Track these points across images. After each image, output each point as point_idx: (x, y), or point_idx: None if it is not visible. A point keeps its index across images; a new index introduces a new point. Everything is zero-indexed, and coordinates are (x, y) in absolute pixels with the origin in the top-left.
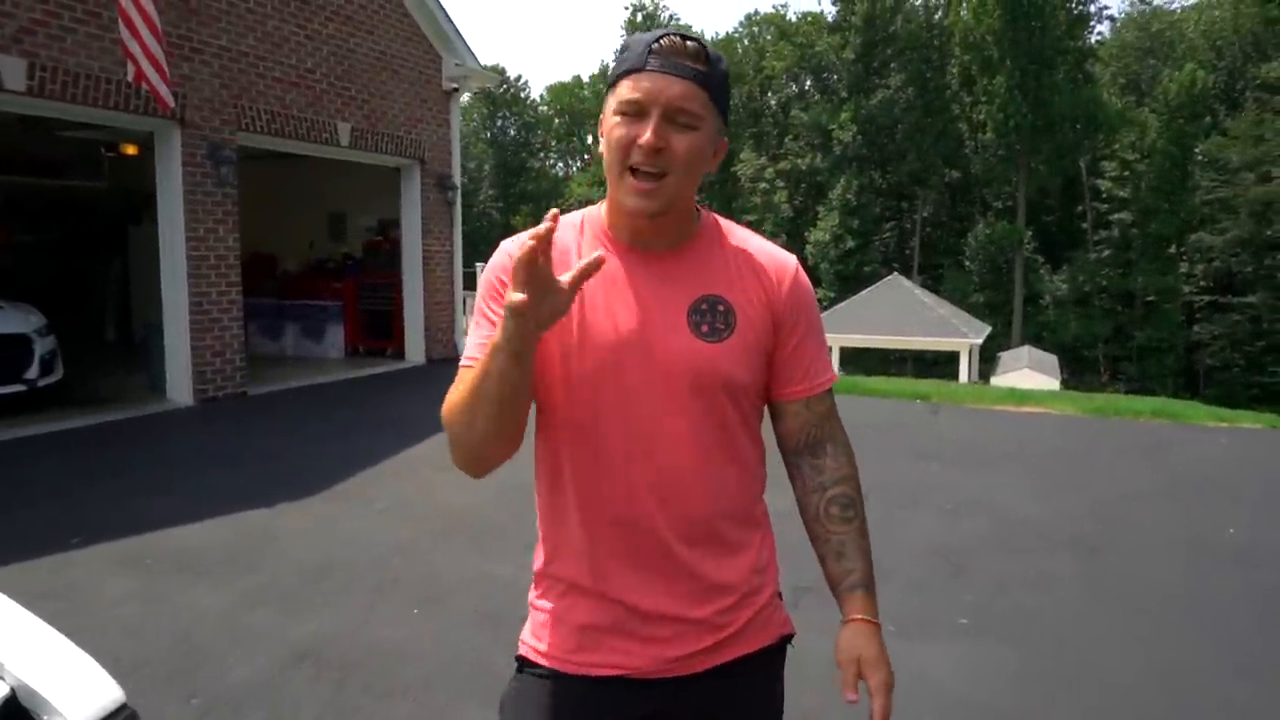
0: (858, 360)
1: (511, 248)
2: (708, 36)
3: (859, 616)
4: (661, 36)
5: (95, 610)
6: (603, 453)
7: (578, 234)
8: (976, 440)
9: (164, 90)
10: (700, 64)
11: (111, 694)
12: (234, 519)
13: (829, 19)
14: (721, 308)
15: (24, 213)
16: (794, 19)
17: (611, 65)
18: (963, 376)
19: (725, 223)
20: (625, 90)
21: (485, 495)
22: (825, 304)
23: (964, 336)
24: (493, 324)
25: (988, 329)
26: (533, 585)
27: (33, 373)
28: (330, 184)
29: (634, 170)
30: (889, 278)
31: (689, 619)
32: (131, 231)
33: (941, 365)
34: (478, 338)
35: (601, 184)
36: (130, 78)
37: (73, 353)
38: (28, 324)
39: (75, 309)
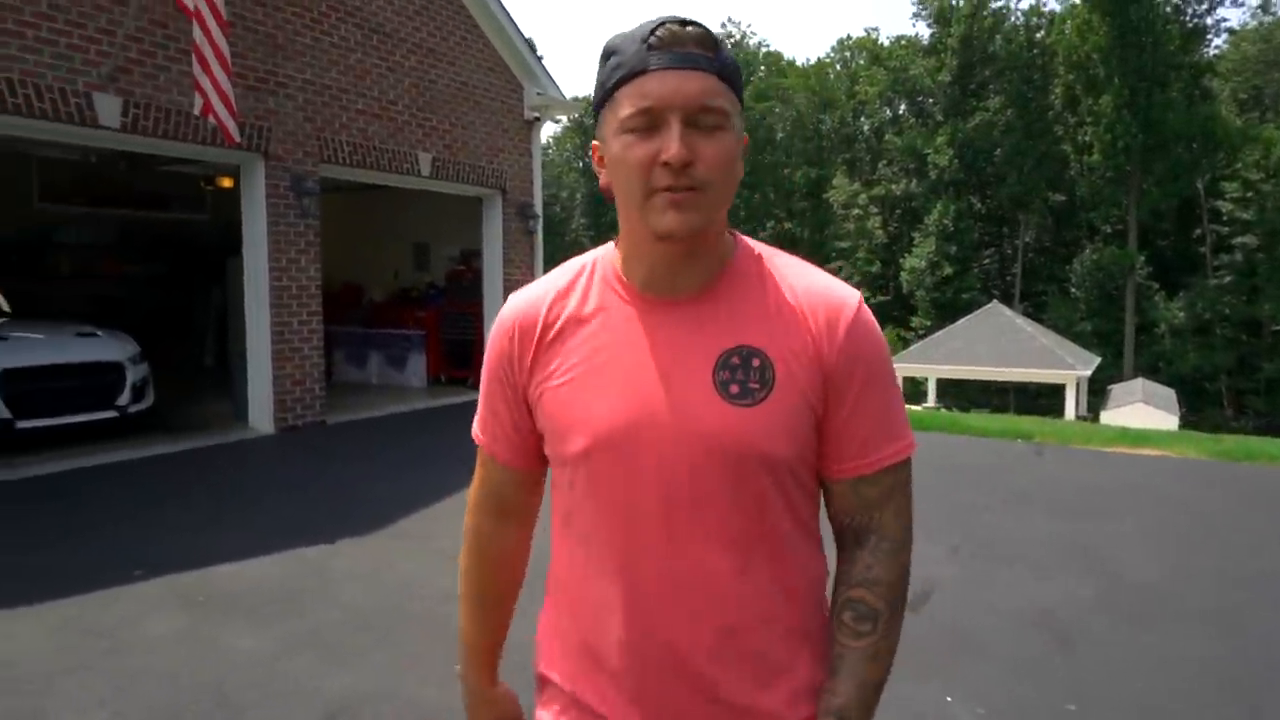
0: (956, 392)
1: (514, 308)
2: (799, 62)
3: None
4: (657, 27)
5: (137, 651)
6: (609, 549)
7: (585, 278)
8: (1085, 486)
9: (230, 124)
10: (711, 50)
11: None
12: (292, 555)
13: (923, 42)
14: (756, 362)
15: (133, 246)
16: (887, 43)
17: (599, 76)
18: (1069, 411)
19: (768, 252)
20: (629, 100)
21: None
22: (921, 333)
23: (1070, 368)
24: (491, 408)
25: (1096, 360)
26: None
27: (124, 399)
28: (414, 214)
29: (668, 189)
30: (989, 306)
31: None
32: (230, 262)
33: (1046, 398)
34: (483, 411)
35: None
36: (198, 111)
37: (171, 379)
38: (122, 352)
39: (177, 337)
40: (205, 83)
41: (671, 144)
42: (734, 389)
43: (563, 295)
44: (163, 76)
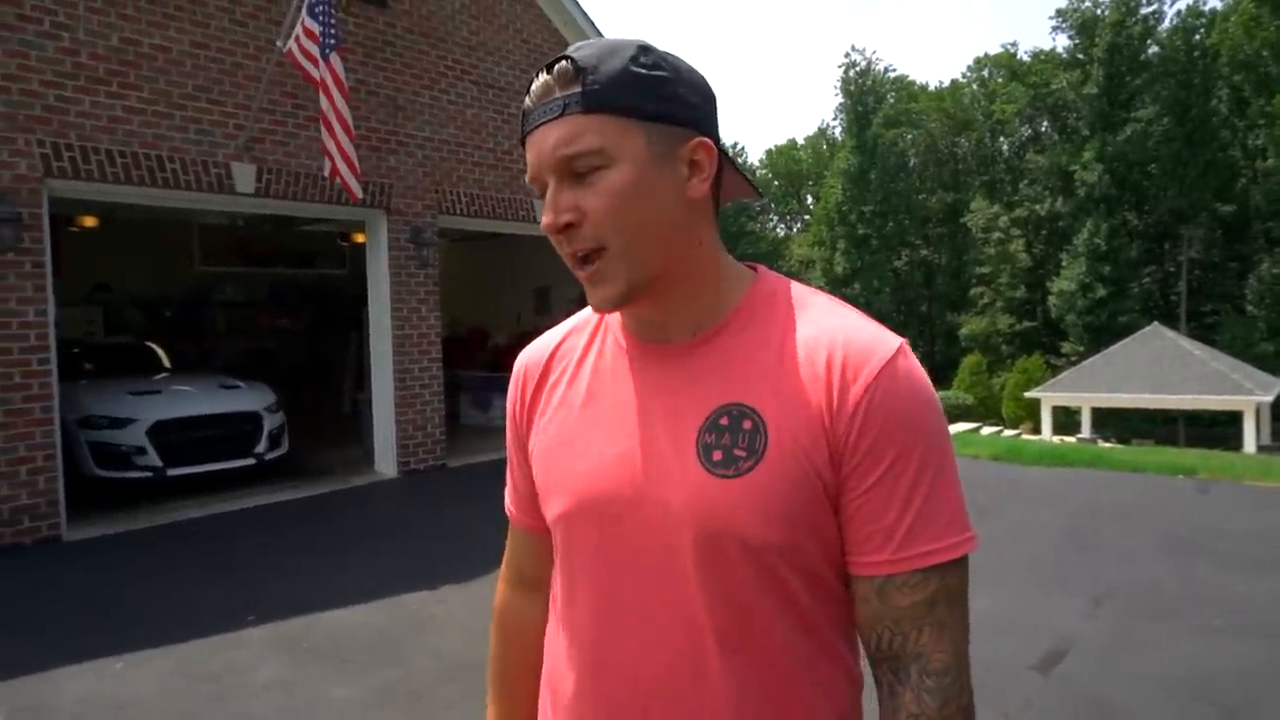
0: (1116, 422)
1: (526, 353)
2: (933, 86)
3: None
4: (532, 81)
5: (239, 697)
6: (574, 640)
7: (593, 323)
8: (1261, 531)
9: (354, 183)
10: (571, 85)
11: None
12: (393, 602)
13: (1064, 55)
14: (748, 424)
15: (281, 301)
16: (1026, 58)
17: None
18: (1249, 442)
19: (797, 292)
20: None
21: None
22: (1073, 359)
23: (1248, 393)
24: (510, 463)
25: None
26: None
27: (261, 447)
28: (535, 259)
29: (573, 259)
30: (1148, 328)
31: None
32: (366, 313)
33: (1222, 427)
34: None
35: (820, 243)
36: (327, 173)
37: (313, 425)
38: (260, 402)
39: (320, 385)
40: (331, 146)
41: (545, 214)
42: (717, 455)
43: (567, 340)
44: (291, 143)
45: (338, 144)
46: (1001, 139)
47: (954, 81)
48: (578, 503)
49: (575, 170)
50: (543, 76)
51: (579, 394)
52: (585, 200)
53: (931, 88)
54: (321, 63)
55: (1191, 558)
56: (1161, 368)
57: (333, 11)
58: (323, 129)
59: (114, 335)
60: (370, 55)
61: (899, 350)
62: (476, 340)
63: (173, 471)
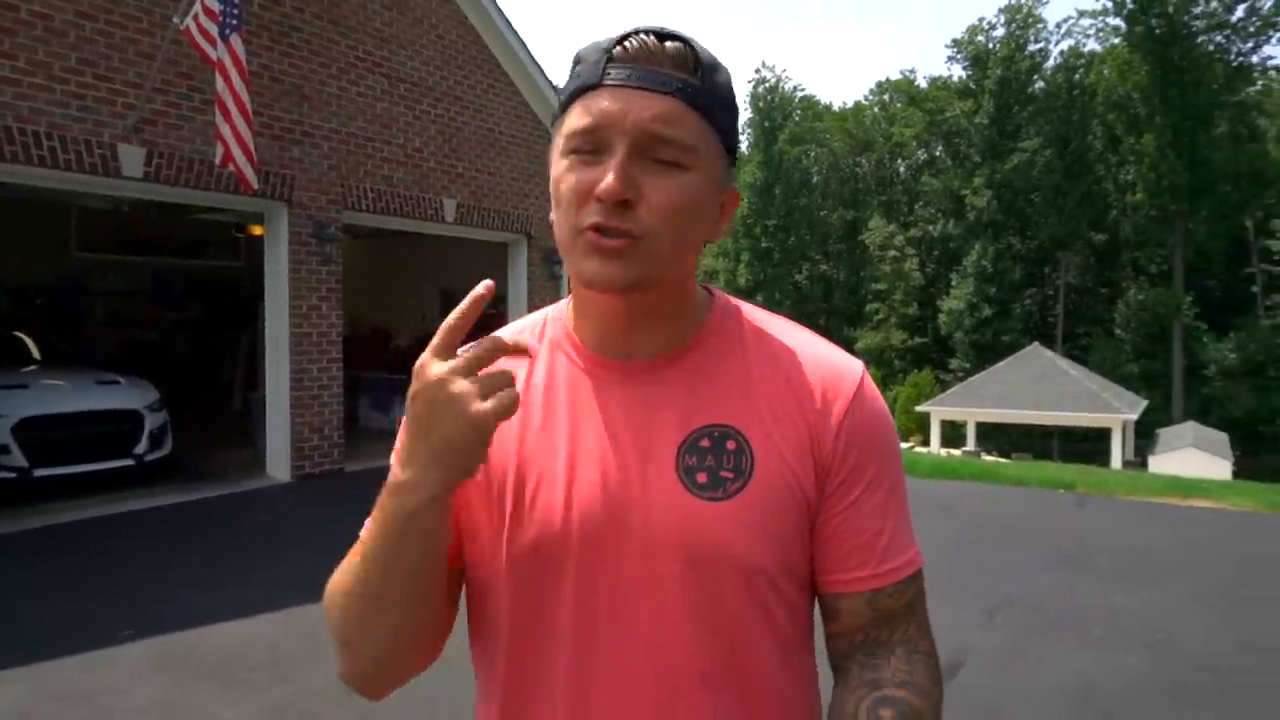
0: (997, 436)
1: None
2: (836, 106)
3: None
4: (628, 36)
5: None
6: (544, 672)
7: (536, 340)
8: (1134, 543)
9: (249, 172)
10: (687, 72)
11: None
12: (286, 615)
13: (960, 84)
14: (731, 444)
15: (167, 292)
16: (924, 84)
17: (561, 89)
18: (1115, 457)
19: (753, 313)
20: (576, 116)
21: None
22: (960, 375)
23: (1116, 411)
24: None
25: (1144, 403)
26: None
27: (141, 447)
28: (442, 259)
29: (596, 229)
30: (1030, 348)
31: None
32: (261, 308)
33: (1091, 442)
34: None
35: (725, 254)
36: (218, 160)
37: (200, 425)
38: (140, 399)
39: (209, 382)
40: (226, 132)
41: (609, 173)
42: (702, 478)
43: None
44: (186, 127)
45: (234, 130)
46: (899, 161)
47: (857, 103)
48: (555, 528)
49: (655, 154)
50: (650, 40)
51: (534, 413)
52: (653, 188)
53: (835, 108)
54: (220, 43)
55: (1074, 570)
56: (1040, 385)
57: None
58: (217, 113)
59: None
60: (276, 40)
61: (864, 373)
62: (378, 340)
63: (40, 472)
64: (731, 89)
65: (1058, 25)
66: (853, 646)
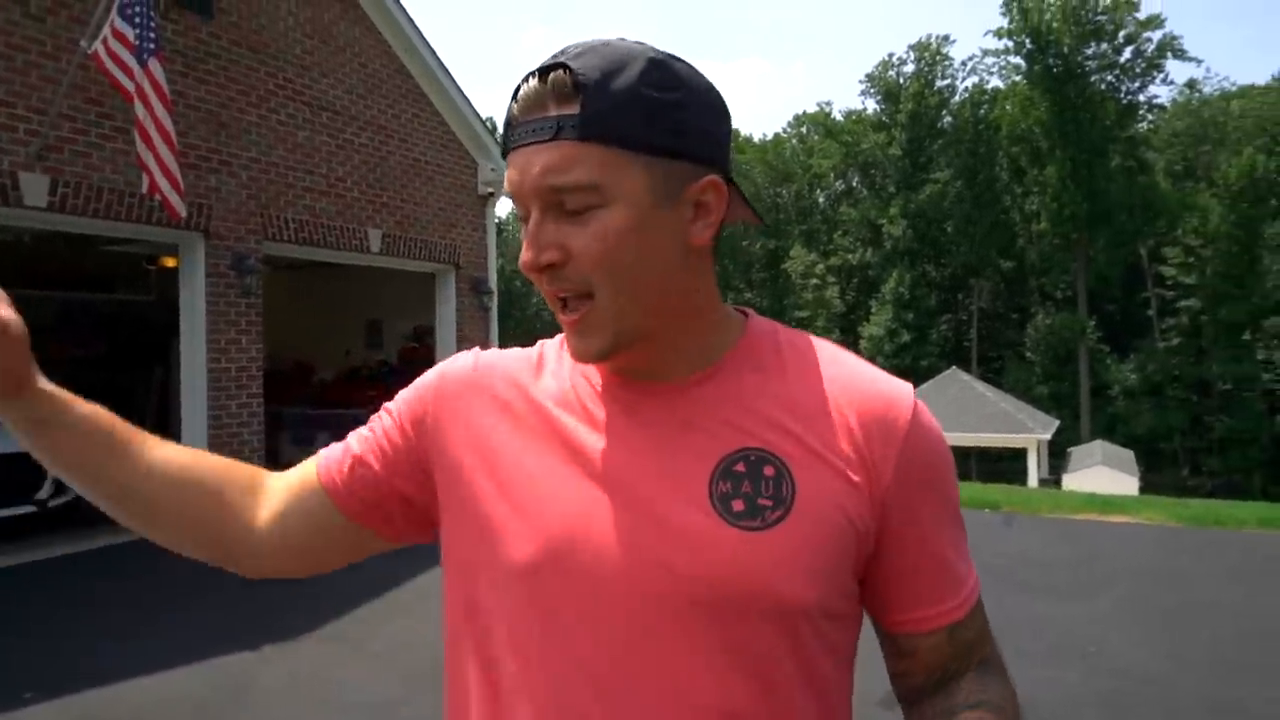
0: None
1: (454, 373)
2: (756, 138)
3: None
4: (520, 86)
5: None
6: (546, 712)
7: (554, 352)
8: (1059, 559)
9: (175, 200)
10: (568, 103)
11: None
12: (211, 665)
13: (874, 117)
14: (770, 470)
15: (74, 327)
16: (839, 118)
17: None
18: (1032, 476)
19: (794, 336)
20: (505, 180)
21: None
22: None
23: (1030, 431)
24: (370, 451)
25: (1056, 423)
26: None
27: (44, 492)
28: (367, 291)
29: (560, 303)
30: (948, 371)
31: None
32: (175, 343)
33: (1008, 462)
34: (354, 433)
35: None
36: (145, 189)
37: None
38: None
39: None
40: (149, 160)
41: (524, 248)
42: (737, 505)
43: (516, 365)
44: (95, 155)
45: (157, 157)
46: (818, 191)
47: (776, 135)
48: (551, 554)
49: (565, 206)
50: (533, 82)
51: (542, 423)
52: (573, 240)
53: (756, 140)
54: (138, 69)
55: (1002, 586)
56: (959, 408)
57: (151, 14)
58: (139, 140)
59: None
60: (191, 66)
61: (915, 397)
62: (300, 374)
63: None
64: (643, 81)
65: (963, 63)
66: (930, 682)
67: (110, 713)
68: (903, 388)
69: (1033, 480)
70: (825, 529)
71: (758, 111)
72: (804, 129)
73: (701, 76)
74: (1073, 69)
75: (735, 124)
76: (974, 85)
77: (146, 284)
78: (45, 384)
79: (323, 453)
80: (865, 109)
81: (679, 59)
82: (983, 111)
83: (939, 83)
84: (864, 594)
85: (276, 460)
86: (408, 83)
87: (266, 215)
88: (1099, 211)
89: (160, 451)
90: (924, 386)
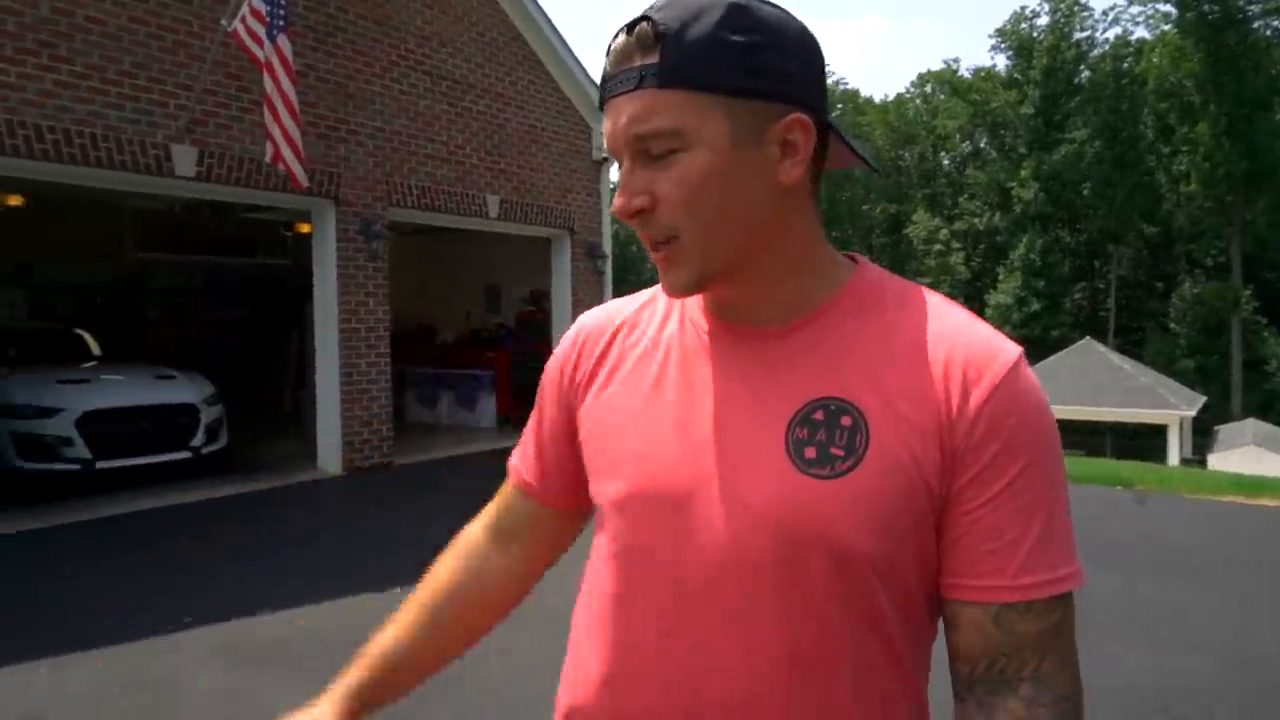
0: None
1: (583, 321)
2: (878, 99)
3: None
4: (613, 40)
5: (178, 703)
6: (631, 626)
7: (646, 305)
8: (1197, 543)
9: (298, 169)
10: (649, 53)
11: None
12: (340, 604)
13: (1004, 74)
14: (847, 420)
15: (219, 291)
16: (967, 75)
17: None
18: (1173, 455)
19: (899, 285)
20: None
21: None
22: None
23: (1173, 408)
24: (539, 436)
25: (1201, 399)
26: None
27: (198, 440)
28: (486, 256)
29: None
30: (1081, 342)
31: None
32: (309, 305)
33: (1145, 439)
34: (523, 444)
35: None
36: (269, 158)
37: (251, 420)
38: (197, 394)
39: (259, 378)
40: (275, 131)
41: (617, 195)
42: (810, 452)
43: (639, 312)
44: (236, 127)
45: (282, 128)
46: (943, 154)
47: (899, 95)
48: (640, 489)
49: (651, 152)
50: (622, 37)
51: (653, 369)
52: (659, 185)
53: (877, 100)
54: (267, 43)
55: (1134, 569)
56: (1093, 381)
57: None
58: (266, 112)
59: (38, 320)
60: (321, 40)
61: (1020, 358)
62: (423, 336)
63: (102, 464)
64: (722, 26)
65: (1104, 13)
66: (973, 677)
67: (251, 639)
68: (1006, 345)
69: (1173, 459)
70: (895, 482)
71: (879, 71)
72: (928, 88)
73: (789, 18)
74: (1232, 14)
75: (855, 85)
76: (1116, 37)
77: (284, 249)
78: (353, 709)
79: (511, 465)
80: (995, 65)
81: (767, 3)
82: (1125, 65)
83: (1076, 35)
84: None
85: (402, 417)
86: (523, 50)
87: (391, 182)
88: (1259, 170)
89: (445, 612)
90: (1054, 358)
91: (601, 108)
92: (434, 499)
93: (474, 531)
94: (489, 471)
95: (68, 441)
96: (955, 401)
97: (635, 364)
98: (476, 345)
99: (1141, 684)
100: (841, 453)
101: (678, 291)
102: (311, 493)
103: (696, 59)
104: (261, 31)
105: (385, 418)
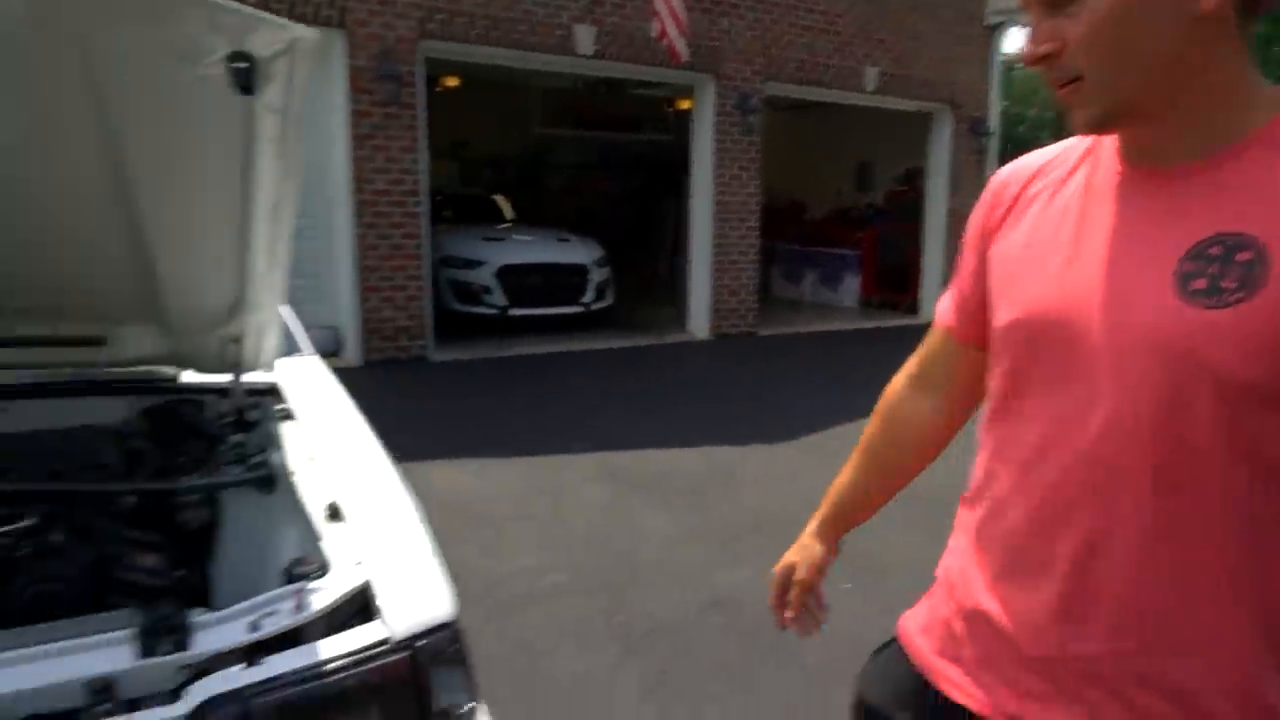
0: None
1: (1004, 170)
2: None
3: None
4: None
5: (571, 512)
6: (1014, 437)
7: (1085, 144)
8: None
9: (680, 44)
10: None
11: (440, 609)
12: (706, 451)
13: None
14: (1245, 255)
15: (609, 164)
16: None
17: None
18: None
19: None
20: None
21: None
22: None
23: None
24: (960, 281)
25: None
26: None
27: (588, 297)
28: (860, 132)
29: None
30: None
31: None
32: (687, 179)
33: None
34: (948, 292)
35: None
36: (655, 34)
37: (631, 283)
38: (589, 256)
39: (641, 246)
40: (661, 7)
41: (1025, 44)
42: (1199, 284)
43: (1052, 160)
44: (628, 5)
45: (669, 5)
46: None
47: None
48: (1032, 314)
49: (1058, 1)
50: None
51: (1056, 210)
52: (1066, 28)
53: None
54: None
55: None
56: None
57: None
58: None
59: (469, 187)
60: None
61: None
62: (792, 213)
63: (513, 311)
64: None
65: None
66: None
67: (631, 469)
68: None
69: None
70: None
71: None
72: None
73: None
74: None
75: None
76: None
77: (666, 125)
78: (831, 533)
79: (937, 311)
80: None
81: None
82: None
83: None
84: None
85: (768, 290)
86: None
87: (769, 55)
88: None
89: (882, 457)
90: None
91: None
92: (793, 369)
93: (898, 383)
94: (848, 349)
95: (489, 290)
96: None
97: (1042, 207)
98: (845, 224)
99: None
100: (1234, 284)
101: (1083, 130)
102: (681, 353)
103: None
104: None
105: (752, 289)
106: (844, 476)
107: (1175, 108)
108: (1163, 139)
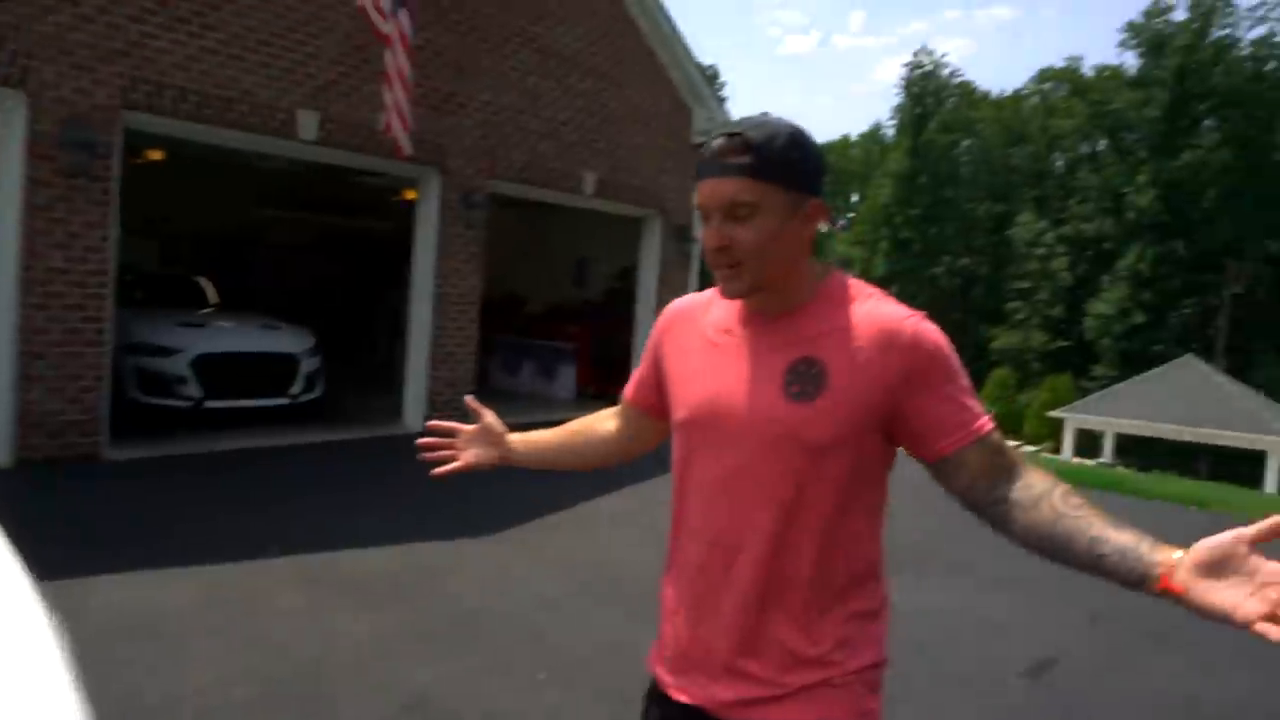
0: (1140, 451)
1: (676, 305)
2: (994, 93)
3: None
4: (711, 141)
5: (260, 620)
6: (688, 496)
7: (709, 300)
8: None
9: (404, 139)
10: (743, 155)
11: None
12: (412, 549)
13: (1130, 73)
14: (816, 370)
15: (330, 248)
16: (1090, 73)
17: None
18: (1269, 483)
19: (856, 285)
20: (697, 198)
21: (656, 554)
22: (1104, 382)
23: (1276, 433)
24: (639, 371)
25: None
26: None
27: (296, 388)
28: (576, 230)
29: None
30: (1182, 358)
31: (738, 670)
32: (407, 267)
33: (1249, 465)
34: (635, 376)
35: (862, 242)
36: (382, 127)
37: (345, 372)
38: (298, 344)
39: (357, 334)
40: (389, 101)
41: (708, 237)
42: (795, 388)
43: (705, 303)
44: (354, 95)
45: (395, 100)
46: (1057, 154)
47: (1015, 92)
48: (697, 412)
49: (734, 214)
50: (723, 140)
51: (707, 339)
52: (737, 234)
53: (994, 95)
54: (389, 16)
55: None
56: (1190, 400)
57: None
58: (383, 84)
59: (167, 267)
60: (442, 14)
61: (919, 319)
62: (511, 306)
63: (210, 403)
64: (789, 144)
65: (1250, 9)
66: (993, 485)
67: (333, 573)
68: (903, 314)
69: (1269, 487)
70: (846, 401)
71: (1000, 64)
72: (1048, 85)
73: (813, 140)
74: None
75: (974, 79)
76: (1260, 36)
77: (389, 212)
78: (518, 444)
79: (628, 399)
80: (1122, 64)
81: (803, 130)
82: (1268, 68)
83: (1216, 33)
84: (913, 445)
85: (486, 382)
86: (630, 28)
87: (494, 155)
88: None
89: (574, 437)
90: (1153, 372)
91: (698, 179)
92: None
93: (601, 412)
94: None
95: (182, 380)
96: (884, 355)
97: (699, 338)
98: (561, 318)
99: (1178, 695)
100: (812, 389)
101: (732, 295)
102: (394, 445)
103: (772, 163)
104: (386, 4)
105: (469, 380)
106: (541, 435)
107: (780, 284)
108: (772, 300)
